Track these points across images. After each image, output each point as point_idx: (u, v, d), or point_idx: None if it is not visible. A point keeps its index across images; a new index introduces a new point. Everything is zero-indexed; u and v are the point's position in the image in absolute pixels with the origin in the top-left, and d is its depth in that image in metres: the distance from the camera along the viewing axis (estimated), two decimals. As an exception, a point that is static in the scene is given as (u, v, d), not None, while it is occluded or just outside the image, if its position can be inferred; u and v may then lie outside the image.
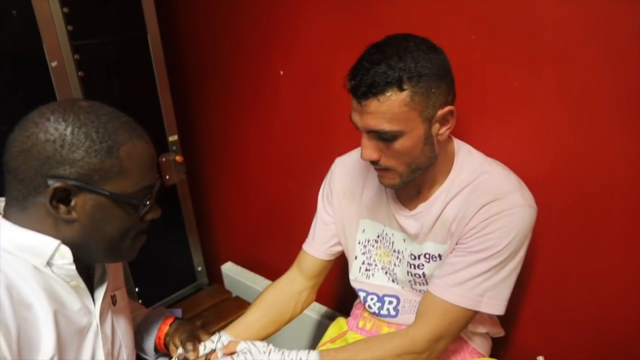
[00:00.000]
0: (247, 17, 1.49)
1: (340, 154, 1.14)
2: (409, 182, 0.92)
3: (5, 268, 0.67)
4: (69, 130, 0.67)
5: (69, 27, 1.32)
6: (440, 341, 0.91)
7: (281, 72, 1.46)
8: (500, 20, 0.98)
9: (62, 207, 0.69)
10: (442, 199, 0.95)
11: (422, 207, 0.97)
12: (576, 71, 0.92)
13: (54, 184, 0.66)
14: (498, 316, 1.08)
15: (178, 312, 1.15)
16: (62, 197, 0.68)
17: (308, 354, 0.91)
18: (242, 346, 0.94)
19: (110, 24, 1.45)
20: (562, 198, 1.01)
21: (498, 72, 1.02)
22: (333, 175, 1.12)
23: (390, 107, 0.81)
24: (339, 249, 1.14)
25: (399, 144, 0.84)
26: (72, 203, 0.69)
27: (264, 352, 0.92)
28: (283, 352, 0.92)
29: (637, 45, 0.84)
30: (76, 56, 1.36)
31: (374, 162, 0.90)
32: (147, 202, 0.75)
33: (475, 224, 0.89)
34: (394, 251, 1.05)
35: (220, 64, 1.67)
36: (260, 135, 1.65)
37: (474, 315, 0.92)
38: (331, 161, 1.14)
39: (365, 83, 0.81)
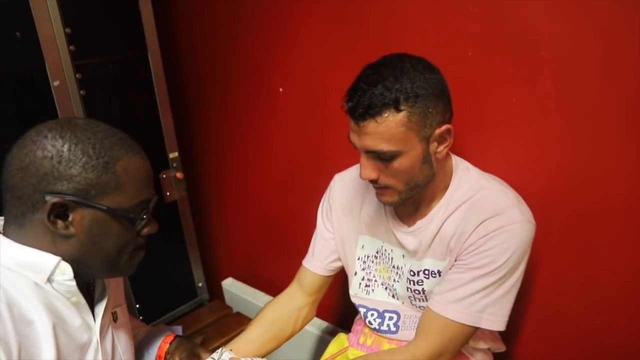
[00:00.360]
0: (246, 35, 1.51)
1: (339, 169, 1.14)
2: (408, 199, 0.92)
3: (5, 285, 0.68)
4: (66, 146, 0.68)
5: (71, 47, 1.34)
6: (441, 358, 0.91)
7: (280, 90, 1.48)
8: (496, 37, 0.99)
9: (60, 223, 0.69)
10: (440, 215, 0.95)
11: (420, 223, 0.98)
12: (573, 85, 0.93)
13: (51, 199, 0.67)
14: (499, 331, 1.08)
15: (178, 330, 1.15)
16: (59, 212, 0.69)
17: None
18: None
19: (111, 44, 1.47)
20: (561, 212, 1.02)
21: (495, 88, 1.03)
22: (332, 192, 1.12)
23: (387, 127, 0.81)
24: (338, 264, 1.14)
25: (397, 164, 0.85)
26: (70, 218, 0.70)
27: None
28: None
29: (633, 59, 0.85)
30: (78, 75, 1.37)
31: (372, 181, 0.90)
32: (144, 217, 0.76)
33: (474, 240, 0.89)
34: (393, 267, 1.05)
35: (220, 81, 1.68)
36: (260, 152, 1.66)
37: (474, 332, 0.92)
38: (330, 177, 1.15)
39: (362, 105, 0.81)
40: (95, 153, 0.69)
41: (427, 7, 1.07)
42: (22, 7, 1.23)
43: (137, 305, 1.67)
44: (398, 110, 0.80)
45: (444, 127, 0.85)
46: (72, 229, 0.70)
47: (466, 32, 1.03)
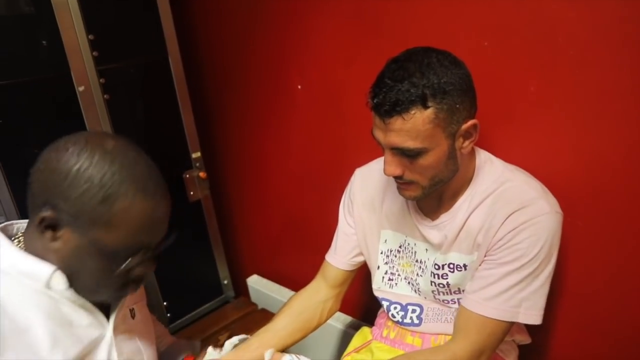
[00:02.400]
0: (263, 35, 1.52)
1: (359, 164, 1.15)
2: (430, 194, 0.91)
3: (1, 293, 0.68)
4: (76, 167, 0.67)
5: (94, 53, 1.38)
6: (482, 356, 0.91)
7: (299, 87, 1.49)
8: (511, 25, 0.98)
9: (49, 233, 0.70)
10: (465, 209, 0.94)
11: (444, 217, 0.97)
12: (592, 72, 0.92)
13: (47, 210, 0.68)
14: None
15: (197, 345, 1.17)
16: (51, 224, 0.69)
17: None
18: (287, 358, 0.95)
19: (133, 48, 1.50)
20: (584, 201, 1.00)
21: (512, 77, 1.02)
22: (353, 187, 1.12)
23: (414, 125, 0.80)
24: (360, 259, 1.14)
25: (422, 160, 0.84)
26: (59, 234, 0.70)
27: None
28: None
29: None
30: (102, 80, 1.41)
31: (397, 177, 0.89)
32: (130, 260, 0.72)
33: (503, 235, 0.88)
34: (417, 261, 1.05)
35: (239, 81, 1.71)
36: (280, 149, 1.68)
37: (511, 326, 0.92)
38: (350, 172, 1.15)
39: (389, 101, 0.80)
40: (100, 183, 0.67)
41: (442, -1, 1.07)
42: (48, 17, 1.27)
43: (165, 303, 1.71)
44: (425, 107, 0.79)
45: (470, 122, 0.85)
46: (58, 244, 0.70)
47: (481, 23, 1.02)
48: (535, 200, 0.88)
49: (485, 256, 0.92)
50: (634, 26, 0.85)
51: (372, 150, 1.14)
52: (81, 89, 1.37)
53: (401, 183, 0.91)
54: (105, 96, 1.43)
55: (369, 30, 1.24)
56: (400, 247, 1.08)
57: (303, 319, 1.13)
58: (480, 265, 0.93)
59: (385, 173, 0.88)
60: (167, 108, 1.62)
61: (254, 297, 2.01)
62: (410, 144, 0.82)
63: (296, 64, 1.47)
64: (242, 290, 2.04)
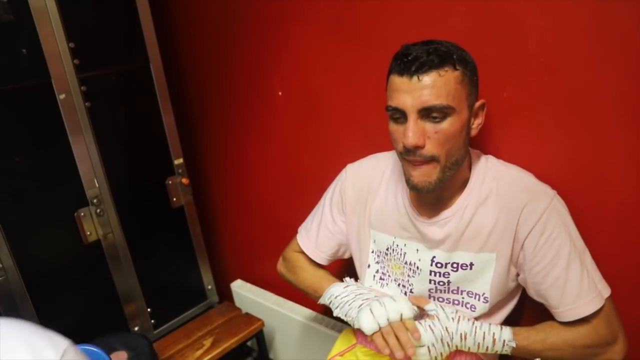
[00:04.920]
0: (244, 42, 1.54)
1: (339, 169, 1.16)
2: (443, 182, 0.89)
3: None
4: None
5: (75, 61, 1.38)
6: (612, 324, 0.89)
7: (280, 93, 1.51)
8: (484, 33, 1.01)
9: None
10: (470, 206, 0.94)
11: (446, 213, 0.96)
12: (561, 79, 0.95)
13: None
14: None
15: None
16: None
17: (501, 330, 0.91)
18: (431, 307, 0.94)
19: (114, 56, 1.50)
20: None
21: (486, 84, 1.04)
22: (345, 183, 1.12)
23: (447, 80, 0.83)
24: (337, 255, 1.16)
25: (447, 124, 0.84)
26: None
27: (453, 320, 0.92)
28: (474, 323, 0.92)
29: (618, 50, 0.87)
30: (83, 88, 1.41)
31: (414, 152, 0.86)
32: None
33: (529, 230, 0.88)
34: (406, 263, 1.04)
35: (221, 88, 1.72)
36: (262, 155, 1.69)
37: (613, 304, 0.90)
38: (331, 176, 1.17)
39: (422, 58, 0.82)
40: None
41: (417, 8, 1.09)
42: (27, 24, 1.27)
43: (149, 310, 1.70)
44: (455, 67, 0.83)
45: (481, 100, 0.90)
46: None
47: (456, 31, 1.05)
48: (539, 187, 0.91)
49: (528, 262, 0.91)
50: (599, 34, 0.88)
51: (352, 155, 1.17)
52: (62, 97, 1.37)
53: (419, 162, 0.88)
54: (86, 104, 1.43)
55: (346, 37, 1.26)
56: (387, 249, 1.07)
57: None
58: (530, 276, 0.91)
59: (406, 143, 0.85)
60: (149, 115, 1.62)
61: (238, 302, 2.01)
62: (442, 100, 0.82)
63: (276, 71, 1.49)
64: (226, 295, 2.05)
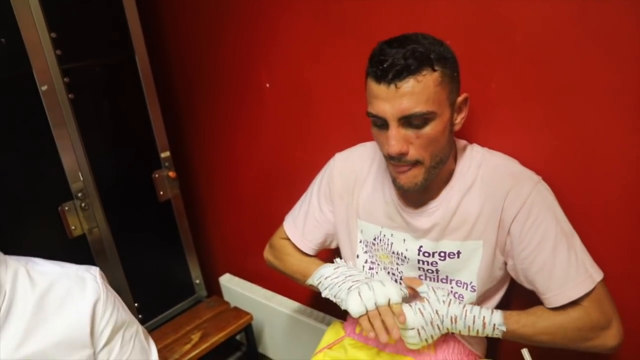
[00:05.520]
0: (231, 33, 1.52)
1: (326, 159, 1.16)
2: (429, 180, 0.90)
3: None
4: None
5: (58, 52, 1.35)
6: (605, 307, 0.88)
7: (267, 85, 1.49)
8: (472, 24, 1.01)
9: None
10: (455, 195, 0.95)
11: (432, 204, 0.97)
12: (548, 69, 0.95)
13: None
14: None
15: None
16: None
17: (492, 313, 0.91)
18: (423, 289, 0.94)
19: (98, 46, 1.48)
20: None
21: (475, 74, 1.05)
22: (333, 172, 1.11)
23: (426, 86, 0.80)
24: (324, 245, 1.16)
25: (429, 129, 0.83)
26: None
27: (444, 302, 0.92)
28: (464, 306, 0.92)
29: (604, 42, 0.87)
30: (66, 79, 1.38)
31: (398, 159, 0.86)
32: None
33: (514, 215, 0.88)
34: (393, 253, 1.04)
35: (207, 79, 1.70)
36: (250, 147, 1.68)
37: (604, 286, 0.89)
38: (319, 167, 1.16)
39: (398, 64, 0.79)
40: None
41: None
42: (5, 13, 1.24)
43: (136, 304, 1.69)
44: (433, 69, 0.80)
45: (463, 95, 0.88)
46: None
47: (443, 22, 1.05)
48: (523, 173, 0.91)
49: (515, 247, 0.91)
50: (585, 25, 0.88)
51: (340, 146, 1.16)
52: (44, 88, 1.34)
53: (404, 166, 0.88)
54: (70, 96, 1.40)
55: (334, 29, 1.25)
56: (375, 239, 1.07)
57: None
58: (519, 262, 0.92)
59: (390, 152, 0.85)
60: (134, 107, 1.60)
61: (226, 296, 2.01)
62: (422, 107, 0.81)
63: (264, 62, 1.47)
64: (214, 289, 2.04)
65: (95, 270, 0.86)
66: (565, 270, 0.87)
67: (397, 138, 0.84)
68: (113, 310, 0.84)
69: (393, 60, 0.80)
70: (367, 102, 0.88)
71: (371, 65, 0.84)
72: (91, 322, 0.80)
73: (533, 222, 0.88)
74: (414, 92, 0.80)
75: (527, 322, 0.90)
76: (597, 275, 0.88)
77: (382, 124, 0.86)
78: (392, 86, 0.81)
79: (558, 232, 0.88)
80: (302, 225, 1.17)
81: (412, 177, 0.89)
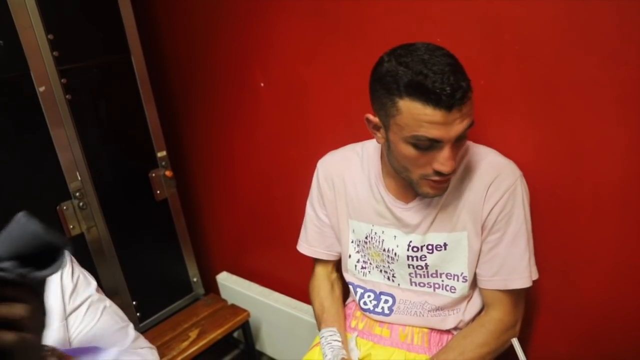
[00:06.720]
0: (226, 33, 1.53)
1: (320, 158, 1.17)
2: None
3: None
4: None
5: (55, 53, 1.37)
6: (519, 308, 1.00)
7: (262, 84, 1.51)
8: (462, 23, 1.03)
9: None
10: None
11: (420, 199, 0.99)
12: (536, 67, 0.97)
13: None
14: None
15: None
16: None
17: None
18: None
19: (95, 48, 1.49)
20: (535, 194, 1.02)
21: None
22: (319, 179, 1.14)
23: (471, 100, 0.81)
24: (333, 248, 1.18)
25: (465, 139, 0.86)
26: None
27: None
28: None
29: (589, 40, 0.89)
30: (63, 80, 1.40)
31: (446, 174, 0.85)
32: None
33: (492, 206, 0.93)
34: (384, 250, 1.06)
35: (203, 79, 1.71)
36: (246, 146, 1.69)
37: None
38: (313, 166, 1.18)
39: (459, 87, 0.77)
40: None
41: (396, -2, 1.11)
42: (3, 15, 1.25)
43: (134, 303, 1.70)
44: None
45: None
46: None
47: (434, 20, 1.07)
48: (505, 166, 0.94)
49: (486, 234, 0.96)
50: (572, 22, 0.90)
51: (334, 145, 1.18)
52: (42, 89, 1.36)
53: (447, 180, 0.90)
54: (67, 96, 1.41)
55: (327, 28, 1.27)
56: (366, 237, 1.09)
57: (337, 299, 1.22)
58: (483, 245, 0.97)
59: (447, 171, 0.83)
60: (131, 107, 1.61)
61: (223, 294, 2.02)
62: (470, 119, 0.81)
63: (258, 62, 1.49)
64: (211, 287, 2.05)
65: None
66: (517, 262, 0.95)
67: (454, 157, 0.83)
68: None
69: (453, 85, 0.76)
70: (403, 124, 0.82)
71: (421, 92, 0.77)
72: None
73: (506, 213, 0.93)
74: (470, 110, 0.80)
75: (455, 356, 0.96)
76: (535, 275, 0.97)
77: (430, 145, 0.82)
78: (455, 110, 0.78)
79: (522, 228, 0.94)
80: (305, 235, 1.20)
81: (444, 188, 0.92)
